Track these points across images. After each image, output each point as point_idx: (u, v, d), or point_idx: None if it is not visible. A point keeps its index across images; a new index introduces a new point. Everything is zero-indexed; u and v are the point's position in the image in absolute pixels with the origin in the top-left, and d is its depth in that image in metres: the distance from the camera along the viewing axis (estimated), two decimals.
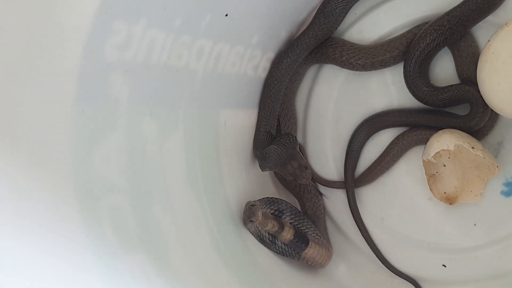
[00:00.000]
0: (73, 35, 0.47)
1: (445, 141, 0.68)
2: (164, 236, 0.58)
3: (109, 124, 0.53)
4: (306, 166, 0.68)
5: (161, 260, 0.56)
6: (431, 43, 0.70)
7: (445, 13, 0.69)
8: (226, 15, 0.63)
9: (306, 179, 0.68)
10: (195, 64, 0.63)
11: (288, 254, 0.71)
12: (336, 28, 0.76)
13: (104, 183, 0.52)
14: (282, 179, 0.80)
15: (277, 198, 0.73)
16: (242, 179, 0.74)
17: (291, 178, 0.69)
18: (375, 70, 0.75)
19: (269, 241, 0.70)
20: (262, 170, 0.72)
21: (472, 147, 0.67)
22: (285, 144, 0.71)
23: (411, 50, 0.71)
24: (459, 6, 0.69)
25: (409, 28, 0.74)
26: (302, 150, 0.80)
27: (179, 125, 0.63)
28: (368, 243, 0.78)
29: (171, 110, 0.62)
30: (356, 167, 0.79)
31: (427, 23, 0.72)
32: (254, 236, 0.70)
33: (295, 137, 0.72)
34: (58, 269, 0.45)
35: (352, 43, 0.76)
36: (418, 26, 0.73)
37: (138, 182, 0.56)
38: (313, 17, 0.75)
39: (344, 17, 0.75)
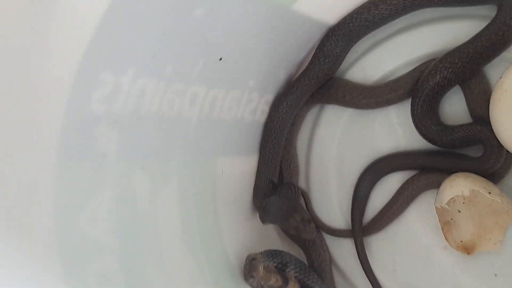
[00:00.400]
0: (56, 89, 0.44)
1: (459, 187, 0.64)
2: None
3: (96, 180, 0.49)
4: (310, 220, 0.64)
5: None
6: (441, 81, 0.66)
7: (456, 48, 0.66)
8: (220, 59, 0.60)
9: (310, 234, 0.64)
10: (188, 111, 0.59)
11: None
12: (338, 68, 0.72)
13: (91, 245, 0.48)
14: (285, 230, 0.76)
15: (280, 250, 0.68)
16: (242, 231, 0.70)
17: (294, 232, 0.65)
18: (380, 108, 0.72)
19: None
20: (262, 223, 0.68)
21: (489, 192, 0.63)
22: (287, 195, 0.67)
23: (419, 87, 0.67)
24: (471, 42, 0.65)
25: (415, 66, 0.70)
26: (305, 197, 0.76)
27: (173, 177, 0.59)
28: None
29: (164, 161, 0.58)
30: (363, 214, 0.74)
31: (434, 59, 0.68)
32: None
33: (297, 187, 0.69)
34: None
35: (355, 83, 0.73)
36: (424, 63, 0.69)
37: (129, 242, 0.52)
38: (312, 57, 0.72)
39: (344, 56, 0.72)
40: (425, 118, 0.68)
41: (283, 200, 0.66)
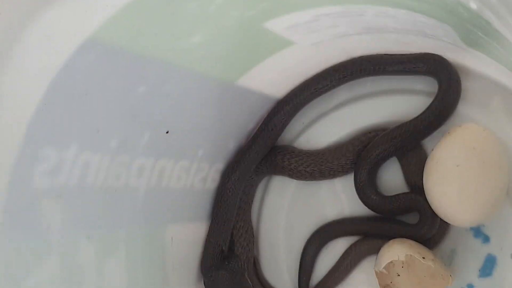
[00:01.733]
0: None
1: (396, 252, 0.67)
2: None
3: (41, 252, 0.51)
4: None
5: None
6: (381, 153, 0.70)
7: (398, 126, 0.70)
8: (167, 132, 0.62)
9: None
10: (135, 182, 0.61)
11: None
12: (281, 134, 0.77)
13: None
14: None
15: None
16: None
17: None
18: (324, 179, 0.75)
19: None
20: None
21: (423, 257, 0.66)
22: (234, 269, 0.69)
23: (362, 159, 0.71)
24: (412, 120, 0.70)
25: (356, 136, 0.74)
26: (256, 262, 0.78)
27: (120, 246, 0.60)
28: None
29: (110, 231, 0.59)
30: (310, 278, 0.76)
31: (375, 131, 0.73)
32: None
33: (245, 262, 0.71)
34: None
35: (300, 149, 0.76)
36: (365, 134, 0.74)
37: None
38: (261, 125, 0.76)
39: (288, 124, 0.76)
40: (366, 188, 0.72)
41: (230, 275, 0.68)
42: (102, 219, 0.58)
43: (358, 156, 0.73)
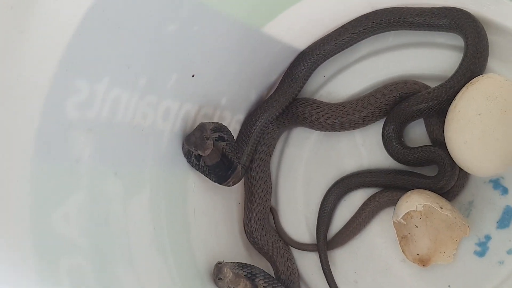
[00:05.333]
0: (32, 92, 0.46)
1: (414, 202, 0.68)
2: None
3: (70, 183, 0.52)
4: (208, 137, 0.64)
5: None
6: (423, 109, 0.70)
7: (441, 85, 0.70)
8: (193, 75, 0.63)
9: (204, 149, 0.64)
10: (161, 124, 0.63)
11: None
12: (302, 87, 0.77)
13: (64, 243, 0.51)
14: (254, 243, 0.78)
15: (250, 264, 0.71)
16: (211, 242, 0.72)
17: (192, 148, 0.65)
18: (344, 130, 0.76)
19: None
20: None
21: (441, 207, 0.67)
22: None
23: (400, 111, 0.72)
24: (455, 77, 0.70)
25: (378, 88, 0.75)
26: (274, 212, 0.80)
27: (145, 186, 0.62)
28: None
29: (137, 170, 0.61)
30: (328, 229, 0.77)
31: (396, 83, 0.73)
32: None
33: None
34: None
35: (321, 101, 0.77)
36: (387, 87, 0.74)
37: (101, 242, 0.55)
38: (283, 77, 0.77)
39: (309, 76, 0.77)
40: (393, 139, 0.73)
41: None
42: (129, 157, 0.60)
43: (380, 109, 0.73)
